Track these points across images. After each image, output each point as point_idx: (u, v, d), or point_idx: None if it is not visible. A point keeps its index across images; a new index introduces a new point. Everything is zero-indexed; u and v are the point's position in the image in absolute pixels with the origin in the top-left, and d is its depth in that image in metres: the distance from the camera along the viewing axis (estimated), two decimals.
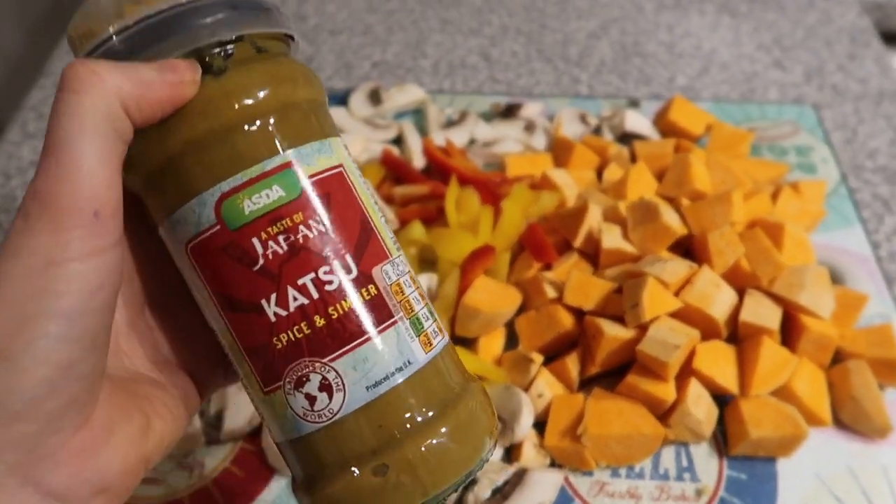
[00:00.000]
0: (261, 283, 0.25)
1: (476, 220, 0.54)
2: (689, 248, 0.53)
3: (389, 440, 0.25)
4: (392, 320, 0.26)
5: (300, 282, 0.25)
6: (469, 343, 0.51)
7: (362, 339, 0.25)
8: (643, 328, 0.47)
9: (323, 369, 0.25)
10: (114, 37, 0.25)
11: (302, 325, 0.25)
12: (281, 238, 0.25)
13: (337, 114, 0.67)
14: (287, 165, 0.25)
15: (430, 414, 0.26)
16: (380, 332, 0.26)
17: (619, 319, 0.48)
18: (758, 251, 0.50)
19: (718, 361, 0.47)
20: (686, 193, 0.55)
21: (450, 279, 0.50)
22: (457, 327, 0.50)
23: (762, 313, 0.48)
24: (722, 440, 0.48)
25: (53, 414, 0.22)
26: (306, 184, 0.25)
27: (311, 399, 0.25)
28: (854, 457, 0.47)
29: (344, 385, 0.25)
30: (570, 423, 0.46)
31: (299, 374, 0.25)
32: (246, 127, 0.25)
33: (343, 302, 0.25)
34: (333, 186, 0.26)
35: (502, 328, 0.52)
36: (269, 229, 0.25)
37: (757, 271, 0.49)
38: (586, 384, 0.50)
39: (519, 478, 0.45)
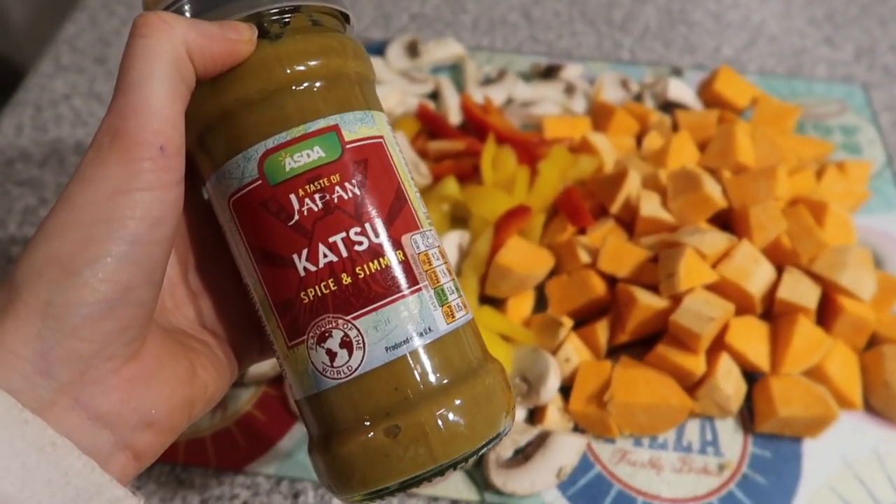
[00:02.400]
0: (294, 238, 0.26)
1: (512, 179, 0.53)
2: (728, 223, 0.52)
3: (404, 402, 0.26)
4: (416, 287, 0.27)
5: (331, 240, 0.26)
6: (498, 303, 0.51)
7: (386, 300, 0.26)
8: (677, 299, 0.46)
9: (345, 326, 0.26)
10: None
11: (329, 281, 0.26)
12: (317, 196, 0.26)
13: (373, 63, 0.66)
14: (330, 129, 0.26)
15: (446, 382, 0.26)
16: (403, 296, 0.26)
17: (653, 289, 0.48)
18: (800, 228, 0.48)
19: (751, 337, 0.46)
20: (729, 166, 0.53)
21: (483, 237, 0.49)
22: (487, 286, 0.49)
23: (800, 291, 0.47)
24: (748, 417, 0.47)
25: (109, 336, 0.23)
26: (346, 148, 0.26)
27: (332, 355, 0.26)
28: (882, 442, 0.46)
29: (364, 343, 0.26)
30: (595, 390, 0.46)
31: (322, 329, 0.26)
32: (294, 89, 0.26)
33: (370, 263, 0.26)
34: (372, 154, 0.27)
35: (532, 290, 0.51)
36: (307, 187, 0.26)
37: (798, 249, 0.48)
38: (613, 352, 0.49)
39: (542, 440, 0.44)
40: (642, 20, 0.77)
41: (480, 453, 0.27)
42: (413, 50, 0.68)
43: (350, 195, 0.26)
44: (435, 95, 0.65)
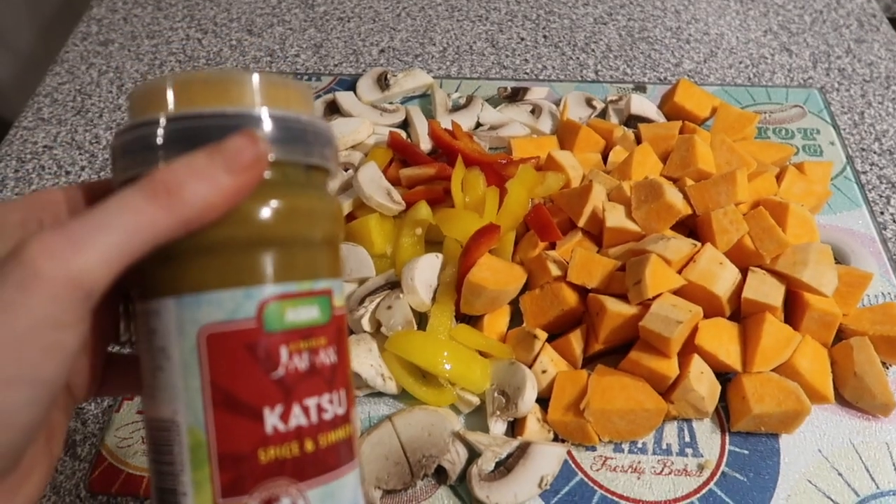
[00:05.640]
0: (272, 391, 0.25)
1: (482, 200, 0.55)
2: (693, 229, 0.54)
3: None
4: (353, 463, 0.27)
5: (306, 402, 0.25)
6: (474, 321, 0.52)
7: (335, 473, 0.26)
8: (646, 305, 0.47)
9: (296, 495, 0.25)
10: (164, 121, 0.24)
11: (293, 444, 0.25)
12: (305, 355, 0.25)
13: (345, 98, 0.68)
14: (327, 292, 0.26)
15: None
16: (347, 471, 0.26)
17: (623, 297, 0.49)
18: (761, 229, 0.50)
19: (721, 338, 0.48)
20: (691, 174, 0.55)
21: (452, 263, 0.51)
22: (462, 305, 0.51)
23: (765, 291, 0.48)
24: (724, 416, 0.48)
25: None
26: (334, 314, 0.27)
27: None
28: (856, 433, 0.47)
29: None
30: (573, 399, 0.47)
31: (272, 493, 0.24)
32: (314, 244, 0.26)
33: (330, 433, 0.26)
34: (343, 326, 0.27)
35: (507, 306, 0.52)
36: (300, 343, 0.25)
37: (760, 249, 0.49)
38: (589, 362, 0.50)
39: (522, 451, 0.45)
40: (604, 40, 0.79)
41: None
42: (383, 82, 0.70)
43: (329, 361, 0.26)
44: (406, 124, 0.67)
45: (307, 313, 0.25)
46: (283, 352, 0.25)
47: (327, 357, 0.26)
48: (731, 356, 0.47)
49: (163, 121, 0.24)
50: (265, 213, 0.25)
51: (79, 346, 0.22)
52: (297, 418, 0.25)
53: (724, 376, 0.49)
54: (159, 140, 0.24)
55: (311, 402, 0.25)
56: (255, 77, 0.25)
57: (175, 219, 0.22)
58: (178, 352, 0.25)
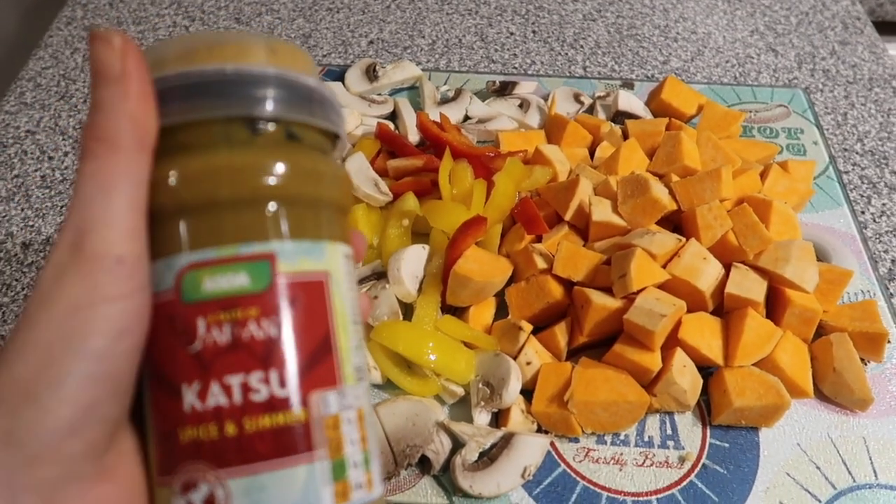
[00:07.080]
0: (189, 366, 0.23)
1: (469, 192, 0.55)
2: (678, 225, 0.54)
3: None
4: (310, 454, 0.23)
5: (227, 380, 0.23)
6: (460, 312, 0.52)
7: (267, 464, 0.23)
8: (630, 299, 0.48)
9: (214, 483, 0.22)
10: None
11: (211, 426, 0.23)
12: (226, 327, 0.23)
13: (332, 87, 0.68)
14: (262, 256, 0.24)
15: None
16: (290, 463, 0.23)
17: (608, 291, 0.49)
18: (745, 226, 0.50)
19: (704, 332, 0.48)
20: (676, 170, 0.55)
21: (439, 254, 0.51)
22: (448, 296, 0.51)
23: (748, 286, 0.49)
24: (706, 409, 0.49)
25: (74, 458, 0.22)
26: (276, 281, 0.24)
27: None
28: (834, 427, 0.48)
29: None
30: (557, 391, 0.47)
31: (189, 478, 0.23)
32: (236, 206, 0.24)
33: (262, 417, 0.23)
34: (305, 293, 0.24)
35: (493, 298, 0.53)
36: (219, 314, 0.23)
37: (744, 245, 0.50)
38: (573, 354, 0.50)
39: (506, 441, 0.45)
40: (593, 37, 0.80)
41: None
42: (371, 73, 0.70)
43: (263, 335, 0.23)
44: (394, 116, 0.67)
45: (229, 281, 0.23)
46: (200, 324, 0.23)
47: (260, 330, 0.23)
48: (713, 350, 0.48)
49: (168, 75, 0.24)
50: (172, 177, 0.23)
51: (125, 320, 0.22)
52: (216, 397, 0.23)
53: (706, 370, 0.50)
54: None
55: (233, 379, 0.23)
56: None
57: (129, 153, 0.22)
58: None
